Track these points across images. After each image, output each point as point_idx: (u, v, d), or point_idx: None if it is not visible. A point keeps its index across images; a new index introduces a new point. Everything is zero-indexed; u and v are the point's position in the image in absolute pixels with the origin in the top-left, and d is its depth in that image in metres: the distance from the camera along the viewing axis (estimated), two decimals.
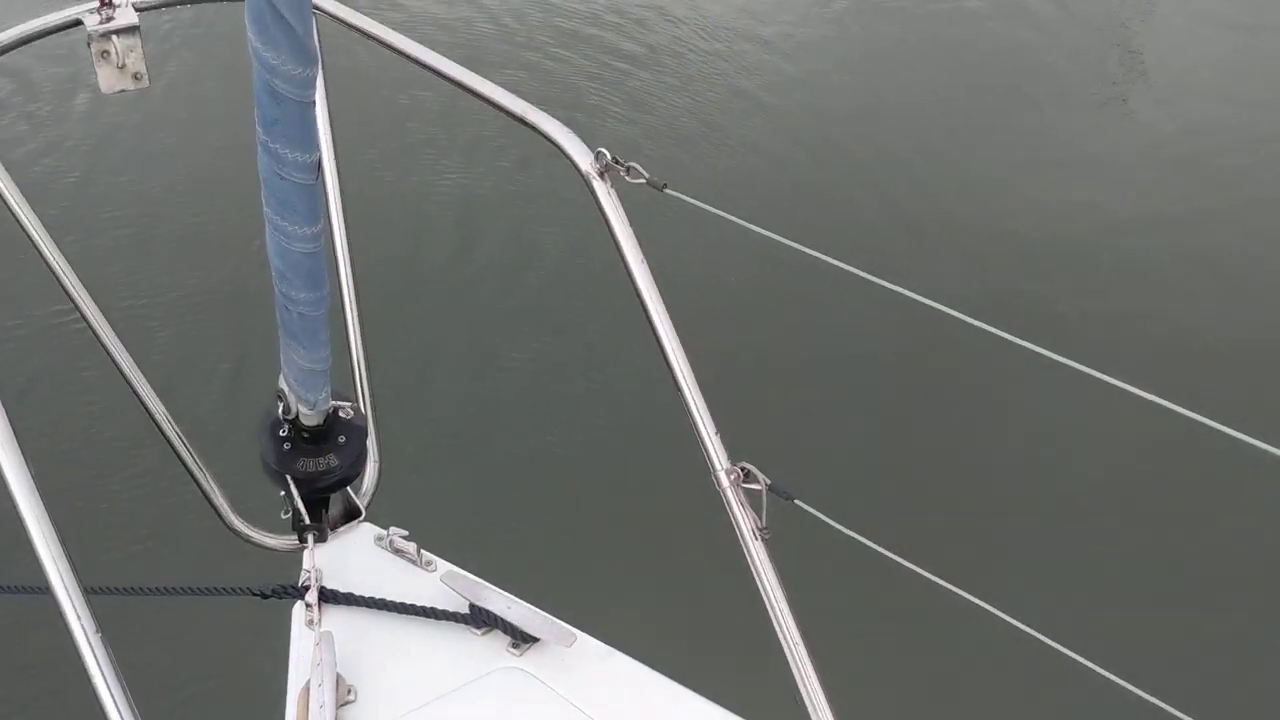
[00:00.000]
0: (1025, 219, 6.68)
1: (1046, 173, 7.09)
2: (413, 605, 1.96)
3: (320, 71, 2.20)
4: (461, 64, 2.01)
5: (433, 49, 2.10)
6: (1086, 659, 1.67)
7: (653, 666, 1.90)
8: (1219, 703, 4.17)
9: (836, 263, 1.83)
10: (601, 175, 1.80)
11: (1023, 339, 1.66)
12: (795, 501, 1.61)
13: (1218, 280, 6.29)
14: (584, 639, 1.91)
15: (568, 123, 1.82)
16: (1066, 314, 5.95)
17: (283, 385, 2.06)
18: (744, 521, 1.62)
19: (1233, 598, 4.63)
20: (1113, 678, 1.66)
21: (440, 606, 1.95)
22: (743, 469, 1.63)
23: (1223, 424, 1.51)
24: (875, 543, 1.71)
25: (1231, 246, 6.54)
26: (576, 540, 4.72)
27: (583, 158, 1.82)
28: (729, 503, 1.64)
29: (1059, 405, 5.10)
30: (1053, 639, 1.68)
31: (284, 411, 2.09)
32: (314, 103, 1.70)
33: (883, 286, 1.80)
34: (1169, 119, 7.66)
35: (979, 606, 1.68)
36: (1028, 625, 1.67)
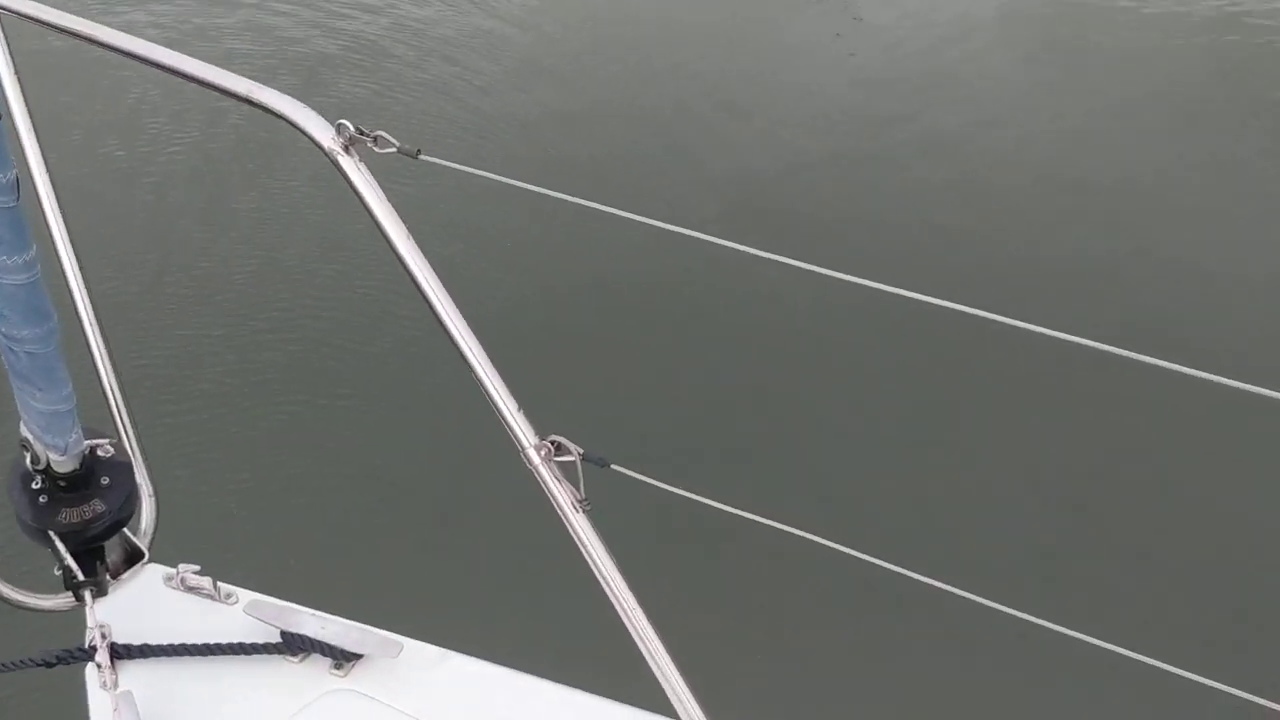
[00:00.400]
0: (785, 153, 6.85)
1: (797, 109, 7.29)
2: (218, 644, 1.85)
3: (11, 77, 1.96)
4: (174, 48, 1.80)
5: (142, 36, 1.87)
6: (931, 579, 1.70)
7: (491, 660, 1.84)
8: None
9: (610, 209, 1.77)
10: (347, 149, 1.65)
11: (802, 262, 1.66)
12: (612, 467, 1.56)
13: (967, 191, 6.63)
14: (411, 646, 1.86)
15: (301, 98, 1.65)
16: (838, 227, 6.13)
17: (25, 433, 1.86)
18: (561, 496, 1.56)
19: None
20: (960, 592, 1.69)
21: (248, 640, 1.86)
22: (552, 442, 1.57)
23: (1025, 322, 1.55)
24: (699, 495, 1.69)
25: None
26: (388, 543, 4.46)
27: (323, 133, 1.66)
28: (543, 479, 1.57)
29: (863, 333, 5.19)
30: (896, 564, 1.70)
31: (32, 461, 1.89)
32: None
33: (663, 230, 1.76)
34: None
35: (812, 543, 1.68)
36: (866, 554, 1.69)
